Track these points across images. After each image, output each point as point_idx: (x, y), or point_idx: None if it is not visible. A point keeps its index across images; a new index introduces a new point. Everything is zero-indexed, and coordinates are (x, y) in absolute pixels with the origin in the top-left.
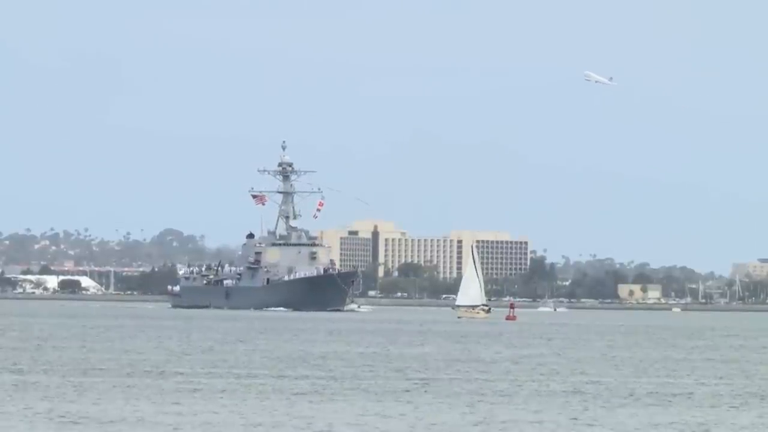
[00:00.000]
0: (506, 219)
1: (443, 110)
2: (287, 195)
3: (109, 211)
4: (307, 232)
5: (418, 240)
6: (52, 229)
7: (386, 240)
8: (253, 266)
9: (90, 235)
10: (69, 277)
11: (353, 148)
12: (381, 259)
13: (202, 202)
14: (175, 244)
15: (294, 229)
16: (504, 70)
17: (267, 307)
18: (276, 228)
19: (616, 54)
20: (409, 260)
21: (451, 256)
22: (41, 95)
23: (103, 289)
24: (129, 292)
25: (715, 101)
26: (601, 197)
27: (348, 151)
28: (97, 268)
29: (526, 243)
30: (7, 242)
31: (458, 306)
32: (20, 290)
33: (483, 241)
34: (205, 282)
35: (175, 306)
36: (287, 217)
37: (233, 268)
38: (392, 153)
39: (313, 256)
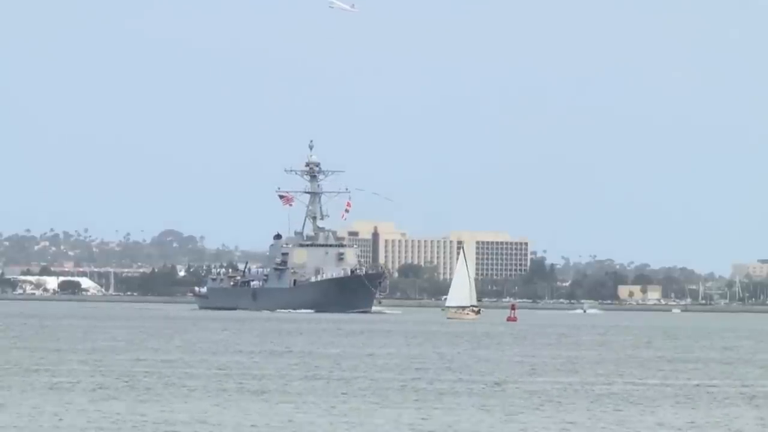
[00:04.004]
0: (506, 219)
1: (446, 110)
2: (314, 195)
3: (109, 212)
4: (334, 233)
5: (418, 241)
6: (51, 230)
7: (386, 241)
8: (279, 267)
9: (90, 236)
10: (69, 278)
11: (361, 148)
12: (381, 260)
13: (203, 202)
14: (175, 244)
15: (321, 229)
16: (506, 69)
17: (293, 308)
18: (303, 229)
19: (623, 52)
20: (409, 261)
21: (451, 257)
22: (42, 94)
23: (103, 290)
24: (129, 293)
25: (714, 102)
26: (601, 198)
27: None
28: (97, 269)
29: (526, 244)
30: (7, 243)
31: (448, 307)
32: (20, 291)
33: (483, 242)
34: (232, 283)
35: (202, 307)
36: (314, 218)
37: (260, 270)
38: (395, 153)
39: (340, 257)
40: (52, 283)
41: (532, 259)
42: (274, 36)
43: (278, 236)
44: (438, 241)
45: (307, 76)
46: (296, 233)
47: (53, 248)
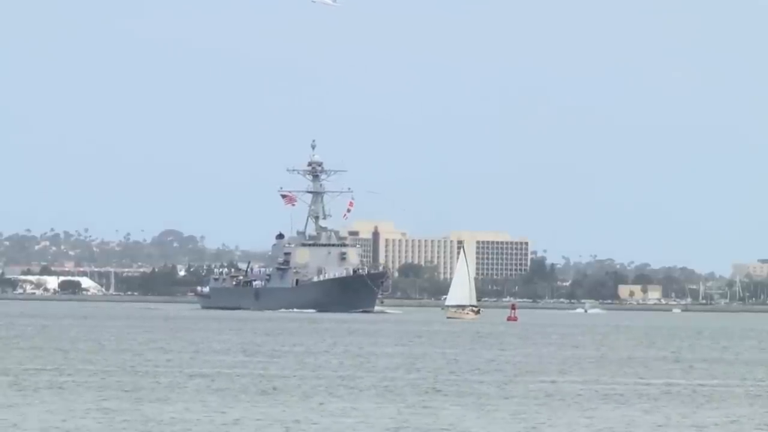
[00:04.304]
0: (506, 219)
1: (446, 110)
2: (317, 195)
3: (109, 212)
4: (337, 233)
5: (419, 240)
6: (52, 230)
7: (386, 241)
8: (282, 267)
9: (90, 236)
10: (69, 278)
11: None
12: (381, 259)
13: (203, 202)
14: (175, 244)
15: (324, 229)
16: (506, 69)
17: (296, 308)
18: (305, 228)
19: (623, 52)
20: (410, 261)
21: (451, 257)
22: (42, 94)
23: (103, 289)
24: (129, 293)
25: (714, 102)
26: (601, 198)
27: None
28: (97, 269)
29: (526, 243)
30: (7, 243)
31: (447, 306)
32: (20, 291)
33: (483, 242)
34: (234, 283)
35: (204, 307)
36: (317, 218)
37: (262, 269)
38: (396, 153)
39: (342, 257)
40: (52, 282)
41: (532, 259)
42: (275, 35)
43: (281, 236)
44: (438, 241)
45: (309, 75)
46: (298, 233)
47: (53, 248)
